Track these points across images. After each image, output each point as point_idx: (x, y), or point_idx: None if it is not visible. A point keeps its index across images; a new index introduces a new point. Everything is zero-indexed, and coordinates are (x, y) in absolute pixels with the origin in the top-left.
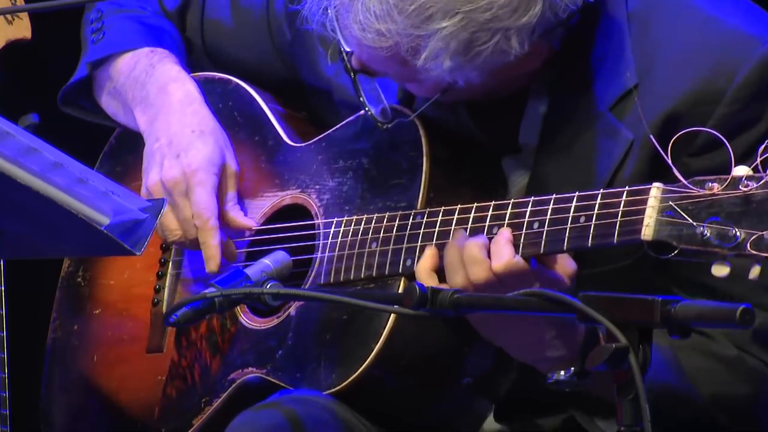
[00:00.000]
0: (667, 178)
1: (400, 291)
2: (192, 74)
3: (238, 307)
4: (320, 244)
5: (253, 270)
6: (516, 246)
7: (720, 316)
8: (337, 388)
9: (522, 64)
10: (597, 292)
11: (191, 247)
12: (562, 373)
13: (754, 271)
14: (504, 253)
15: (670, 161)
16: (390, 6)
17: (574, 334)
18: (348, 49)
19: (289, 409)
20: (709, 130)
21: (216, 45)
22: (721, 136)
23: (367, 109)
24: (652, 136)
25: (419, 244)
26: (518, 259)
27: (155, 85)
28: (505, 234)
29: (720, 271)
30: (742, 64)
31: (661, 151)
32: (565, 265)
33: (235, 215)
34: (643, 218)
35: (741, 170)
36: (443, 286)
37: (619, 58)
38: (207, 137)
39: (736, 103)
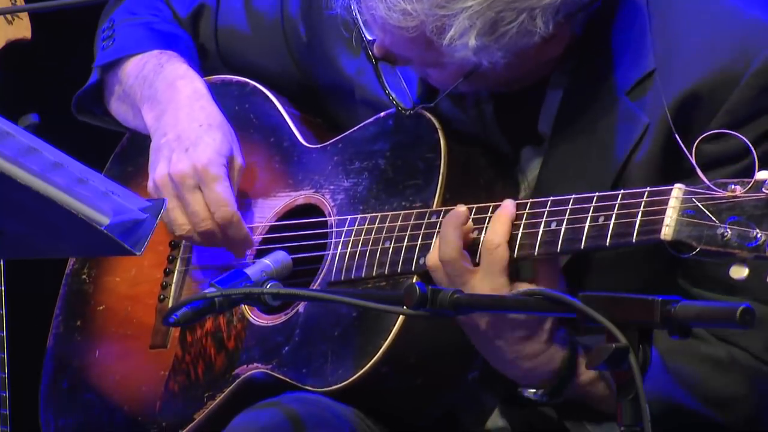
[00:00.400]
0: (679, 163)
1: None
2: (208, 77)
3: (244, 305)
4: (332, 242)
5: (253, 270)
6: (533, 245)
7: (720, 316)
8: (344, 383)
9: (545, 49)
10: (597, 292)
11: (199, 242)
12: (533, 391)
13: None
14: (501, 230)
15: (693, 160)
16: None
17: (549, 360)
18: (370, 38)
19: (289, 408)
20: (730, 132)
21: (231, 51)
22: (742, 137)
23: (389, 95)
24: (676, 136)
25: (434, 241)
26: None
27: (164, 82)
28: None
29: (739, 273)
30: (759, 51)
31: (686, 152)
32: (553, 271)
33: None
34: (663, 218)
35: (764, 174)
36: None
37: (638, 45)
38: (215, 131)
39: (753, 89)
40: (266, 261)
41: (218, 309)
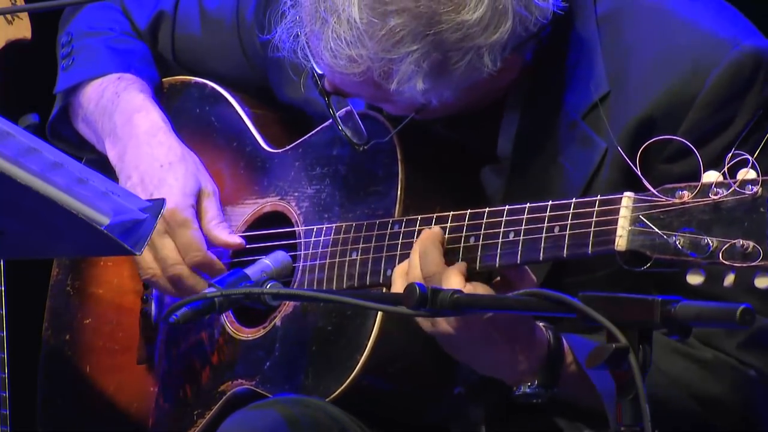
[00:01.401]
0: (642, 186)
1: None
2: (168, 78)
3: (225, 318)
4: (301, 254)
5: (252, 270)
6: (494, 256)
7: (720, 316)
8: (327, 399)
9: (496, 80)
10: (597, 292)
11: (164, 289)
12: (528, 385)
13: (729, 279)
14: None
15: (638, 171)
16: (360, 32)
17: (538, 348)
18: (320, 71)
19: (282, 409)
20: (679, 138)
21: (190, 59)
22: (689, 144)
23: (342, 131)
24: (619, 148)
25: (398, 253)
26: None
27: (122, 116)
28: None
29: (695, 279)
30: (713, 67)
31: (629, 161)
32: (527, 278)
33: (219, 233)
34: (616, 228)
35: (711, 176)
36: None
37: (590, 65)
38: (177, 168)
39: (708, 107)
40: (266, 261)
41: (218, 309)
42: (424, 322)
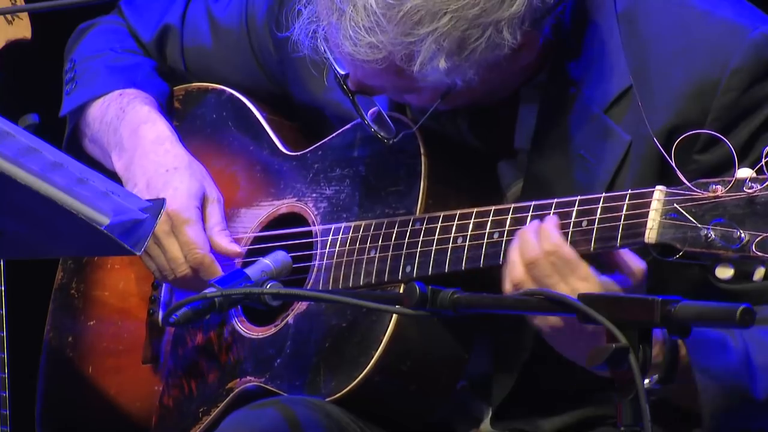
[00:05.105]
0: (669, 178)
1: None
2: (184, 85)
3: (235, 318)
4: (318, 252)
5: (253, 270)
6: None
7: (720, 316)
8: (338, 395)
9: (517, 58)
10: (597, 293)
11: (181, 287)
12: (647, 381)
13: (759, 273)
14: (553, 234)
15: (673, 163)
16: (378, 17)
17: (654, 344)
18: (342, 72)
19: (280, 409)
20: (709, 131)
21: (201, 69)
22: (721, 136)
23: (371, 128)
24: (655, 140)
25: (419, 250)
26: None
27: (128, 128)
28: (552, 219)
29: (724, 273)
30: (733, 52)
31: (665, 153)
32: (632, 262)
33: (220, 240)
34: (646, 221)
35: (745, 172)
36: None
37: (611, 59)
38: (182, 173)
39: (733, 91)
40: (266, 261)
41: (218, 309)
42: (534, 320)
